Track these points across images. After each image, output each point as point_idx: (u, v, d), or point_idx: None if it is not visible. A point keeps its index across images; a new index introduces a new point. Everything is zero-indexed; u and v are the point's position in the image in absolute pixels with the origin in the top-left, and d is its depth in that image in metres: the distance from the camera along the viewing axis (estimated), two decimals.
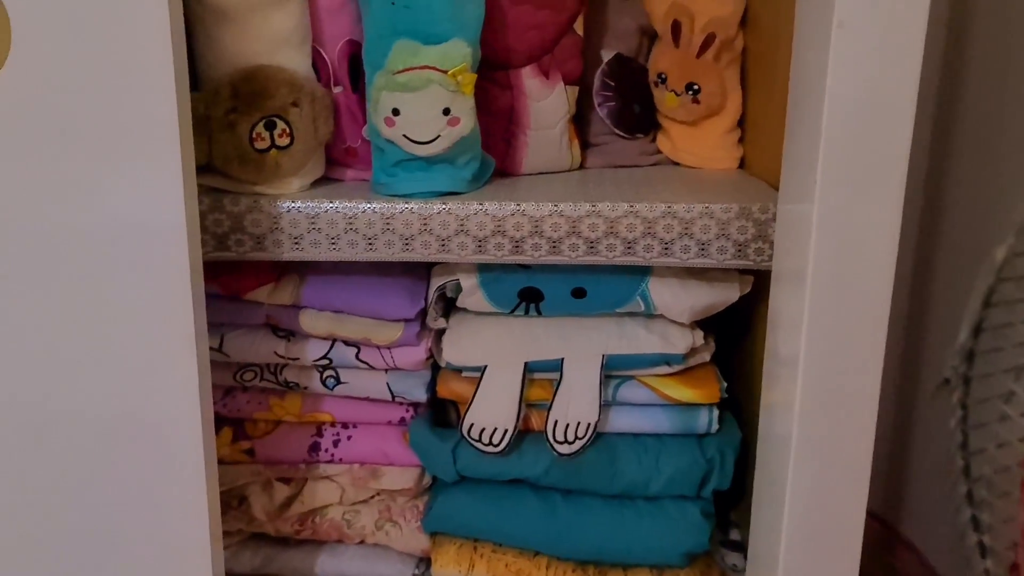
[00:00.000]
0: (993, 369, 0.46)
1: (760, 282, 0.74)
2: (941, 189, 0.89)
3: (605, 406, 0.74)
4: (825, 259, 0.59)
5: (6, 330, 0.58)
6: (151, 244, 0.57)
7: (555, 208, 0.67)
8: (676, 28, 0.76)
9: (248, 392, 0.79)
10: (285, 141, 0.67)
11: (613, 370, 0.74)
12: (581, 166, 0.80)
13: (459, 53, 0.65)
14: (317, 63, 0.70)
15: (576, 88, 0.77)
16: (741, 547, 0.80)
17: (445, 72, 0.64)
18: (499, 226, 0.67)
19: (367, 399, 0.78)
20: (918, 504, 0.94)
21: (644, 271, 0.73)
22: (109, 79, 0.54)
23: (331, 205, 0.67)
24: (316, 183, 0.71)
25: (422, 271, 0.77)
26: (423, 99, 0.65)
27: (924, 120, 0.88)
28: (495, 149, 0.75)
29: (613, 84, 0.80)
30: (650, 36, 0.81)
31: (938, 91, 0.87)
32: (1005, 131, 0.77)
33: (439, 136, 0.66)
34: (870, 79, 0.55)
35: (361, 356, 0.75)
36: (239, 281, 0.74)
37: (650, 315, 0.75)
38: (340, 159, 0.73)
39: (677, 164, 0.82)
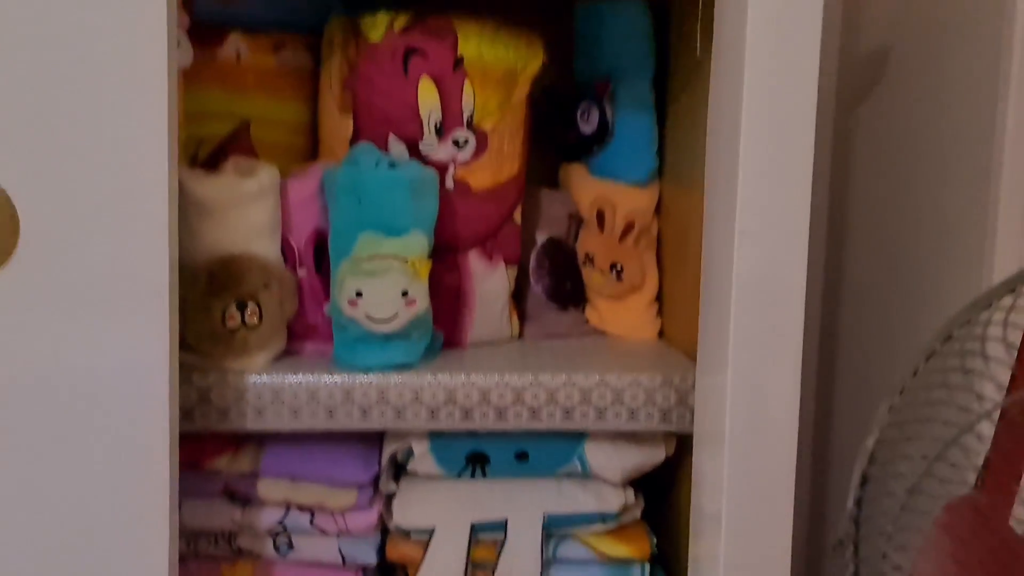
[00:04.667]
0: (871, 532, 0.55)
1: (681, 443, 0.82)
2: (832, 357, 1.01)
3: (546, 564, 0.79)
4: (739, 423, 0.67)
5: None
6: (134, 413, 0.61)
7: (501, 379, 0.74)
8: (600, 216, 0.88)
9: (199, 560, 0.80)
10: (255, 321, 0.72)
11: (553, 528, 0.80)
12: (520, 336, 0.89)
13: (418, 244, 0.73)
14: (284, 248, 0.77)
15: (515, 267, 0.86)
16: None
17: (405, 260, 0.72)
18: (450, 396, 0.74)
19: (318, 563, 0.80)
20: None
21: (581, 435, 0.80)
22: (109, 267, 0.60)
23: (295, 378, 0.73)
24: (277, 356, 0.77)
25: (374, 438, 0.82)
26: (384, 282, 0.72)
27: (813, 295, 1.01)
28: (443, 323, 0.82)
29: (547, 264, 0.90)
30: (578, 221, 0.92)
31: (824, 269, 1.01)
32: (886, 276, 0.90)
33: (397, 314, 0.73)
34: (767, 274, 0.66)
35: (315, 522, 0.78)
36: (199, 450, 0.77)
37: (586, 476, 0.81)
38: (300, 333, 0.79)
39: (604, 334, 0.91)
